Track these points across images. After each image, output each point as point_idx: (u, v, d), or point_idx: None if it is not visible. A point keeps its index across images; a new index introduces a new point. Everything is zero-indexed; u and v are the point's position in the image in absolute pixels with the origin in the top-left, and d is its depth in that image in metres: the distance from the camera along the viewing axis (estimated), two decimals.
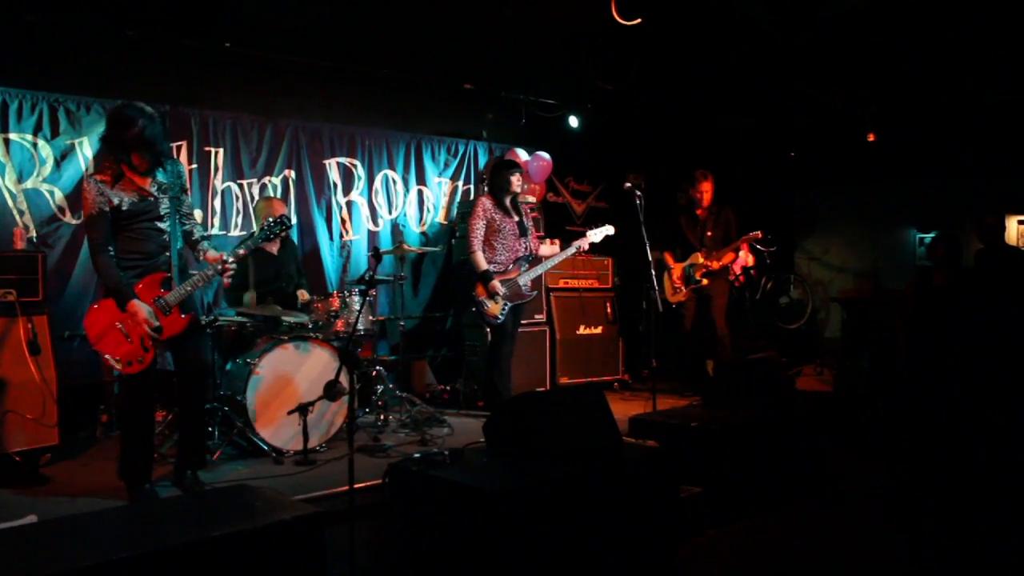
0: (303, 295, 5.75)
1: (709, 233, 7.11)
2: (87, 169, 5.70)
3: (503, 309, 5.87)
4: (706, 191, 7.11)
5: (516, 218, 6.04)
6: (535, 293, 6.19)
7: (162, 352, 4.06)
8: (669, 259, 7.32)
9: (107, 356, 3.88)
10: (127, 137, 3.82)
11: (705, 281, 7.05)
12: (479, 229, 5.89)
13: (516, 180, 6.00)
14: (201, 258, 4.29)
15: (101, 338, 3.89)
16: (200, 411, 4.29)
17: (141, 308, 3.88)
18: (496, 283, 5.83)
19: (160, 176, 4.06)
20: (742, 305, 8.64)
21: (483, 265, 5.87)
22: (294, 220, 6.64)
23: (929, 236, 9.14)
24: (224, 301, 5.96)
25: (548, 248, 6.43)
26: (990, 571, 3.73)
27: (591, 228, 6.20)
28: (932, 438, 5.40)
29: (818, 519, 4.51)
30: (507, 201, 6.01)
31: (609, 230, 6.20)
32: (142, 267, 3.99)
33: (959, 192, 8.63)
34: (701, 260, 7.07)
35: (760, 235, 6.93)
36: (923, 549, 4.02)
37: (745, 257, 8.59)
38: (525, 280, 5.98)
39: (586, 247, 6.16)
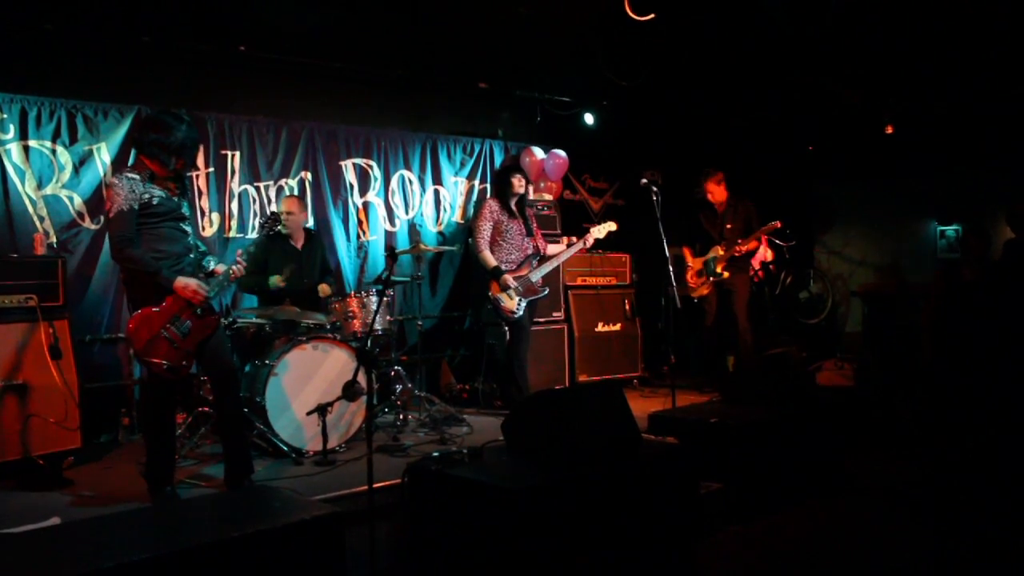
0: (324, 288, 5.78)
1: (729, 226, 7.06)
2: (106, 174, 5.74)
3: (519, 304, 6.02)
4: (712, 191, 7.08)
5: (522, 219, 6.21)
6: (547, 290, 6.31)
7: (192, 358, 4.07)
8: (687, 254, 7.28)
9: (155, 360, 3.90)
10: (171, 141, 3.94)
11: (726, 274, 7.00)
12: (485, 230, 6.07)
13: (516, 181, 6.16)
14: (211, 267, 4.33)
15: (149, 347, 3.89)
16: (239, 414, 4.28)
17: (190, 280, 3.94)
18: (508, 277, 6.00)
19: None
20: (761, 300, 8.59)
21: (492, 262, 6.04)
22: (311, 222, 6.66)
23: (950, 229, 9.04)
24: (244, 297, 5.97)
25: (555, 247, 6.46)
26: (1011, 571, 3.69)
27: (596, 225, 6.31)
28: (956, 436, 5.33)
29: (839, 516, 4.48)
30: (512, 203, 6.16)
31: (611, 226, 6.30)
32: (167, 268, 3.99)
33: (979, 184, 8.53)
34: (721, 253, 7.02)
35: (779, 225, 6.85)
36: (945, 547, 3.98)
37: (764, 252, 8.54)
38: (536, 277, 6.15)
39: (590, 243, 6.30)
